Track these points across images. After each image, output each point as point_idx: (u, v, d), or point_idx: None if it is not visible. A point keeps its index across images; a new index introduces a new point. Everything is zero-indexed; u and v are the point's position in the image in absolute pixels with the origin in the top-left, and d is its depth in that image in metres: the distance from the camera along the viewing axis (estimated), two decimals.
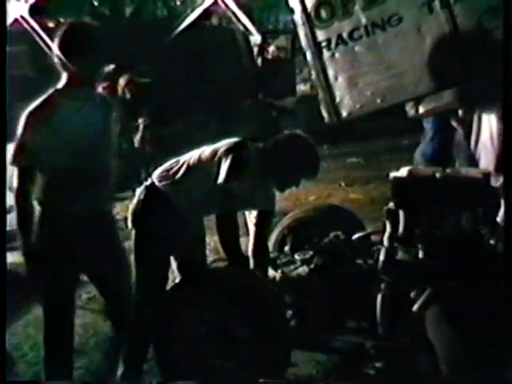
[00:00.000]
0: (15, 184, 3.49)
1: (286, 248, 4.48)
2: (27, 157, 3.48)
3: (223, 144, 4.04)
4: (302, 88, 14.27)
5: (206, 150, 4.05)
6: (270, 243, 4.57)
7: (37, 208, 3.59)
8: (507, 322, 3.41)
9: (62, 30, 3.59)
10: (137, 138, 9.67)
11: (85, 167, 3.58)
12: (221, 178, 3.87)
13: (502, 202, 3.65)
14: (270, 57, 14.71)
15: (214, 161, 3.96)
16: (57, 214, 3.61)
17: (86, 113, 3.62)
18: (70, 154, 3.52)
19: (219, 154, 3.97)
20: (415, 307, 3.59)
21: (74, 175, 3.56)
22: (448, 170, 3.99)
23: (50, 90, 3.57)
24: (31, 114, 3.47)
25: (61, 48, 3.56)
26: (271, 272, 4.15)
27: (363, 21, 3.57)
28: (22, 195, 3.50)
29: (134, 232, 4.07)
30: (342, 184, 9.43)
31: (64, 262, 3.61)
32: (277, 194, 4.33)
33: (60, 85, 3.59)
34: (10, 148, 3.49)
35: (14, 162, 3.50)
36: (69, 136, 3.51)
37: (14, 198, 3.49)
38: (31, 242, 3.53)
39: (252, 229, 4.22)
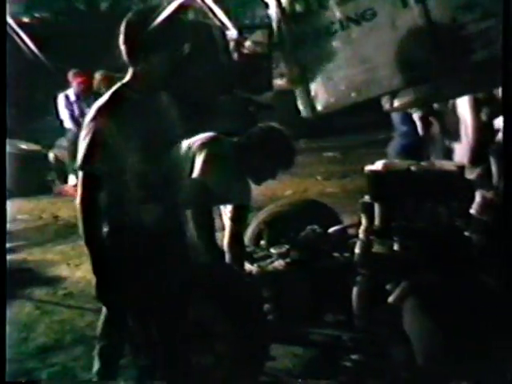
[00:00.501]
0: (81, 193, 3.05)
1: (263, 242, 4.49)
2: (100, 160, 3.04)
3: (197, 138, 4.04)
4: (278, 82, 14.27)
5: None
6: (247, 237, 4.58)
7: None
8: (485, 313, 3.45)
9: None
10: None
11: (158, 172, 3.20)
12: (195, 173, 3.86)
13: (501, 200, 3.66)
14: (246, 52, 14.68)
15: (188, 155, 3.96)
16: (129, 228, 3.18)
17: (154, 110, 3.27)
18: (143, 156, 3.12)
19: (194, 148, 3.96)
20: (391, 299, 3.62)
21: (148, 181, 3.17)
22: (423, 163, 4.02)
23: (117, 85, 3.24)
24: (100, 110, 3.11)
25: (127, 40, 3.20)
26: (247, 266, 4.16)
27: (338, 15, 3.57)
28: (92, 207, 3.07)
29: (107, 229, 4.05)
30: (319, 178, 9.45)
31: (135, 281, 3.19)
32: (253, 188, 4.33)
33: (126, 79, 3.26)
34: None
35: (85, 166, 3.07)
36: (140, 135, 3.12)
37: (81, 210, 3.05)
38: (102, 259, 3.13)
39: (228, 223, 4.22)
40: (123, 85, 3.24)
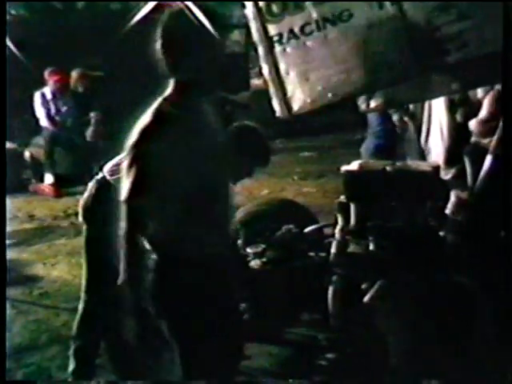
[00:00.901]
0: (127, 227, 2.81)
1: (239, 242, 4.49)
2: (148, 192, 2.79)
3: None
4: (255, 82, 14.28)
5: None
6: None
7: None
8: (459, 313, 3.49)
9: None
10: (89, 132, 9.61)
11: (207, 197, 2.90)
12: None
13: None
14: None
15: None
16: (179, 260, 2.90)
17: (200, 126, 2.95)
18: (191, 181, 2.82)
19: None
20: (366, 298, 3.64)
21: (197, 207, 2.87)
22: (398, 164, 4.05)
23: (158, 100, 2.92)
24: (144, 133, 2.79)
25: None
26: None
27: (314, 16, 3.59)
28: (135, 240, 2.85)
29: (85, 226, 4.05)
30: (295, 178, 9.47)
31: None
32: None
33: (167, 92, 2.96)
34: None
35: (131, 201, 2.80)
36: (190, 156, 2.80)
37: (126, 245, 2.83)
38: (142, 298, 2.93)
39: None
40: (164, 99, 2.93)
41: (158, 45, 2.93)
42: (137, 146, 2.78)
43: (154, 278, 2.92)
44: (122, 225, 2.82)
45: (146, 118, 2.84)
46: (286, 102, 3.65)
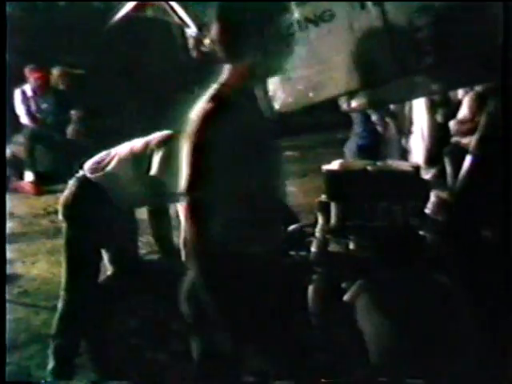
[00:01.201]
0: (192, 221, 2.71)
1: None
2: (208, 183, 2.67)
3: (155, 136, 4.05)
4: None
5: (137, 142, 4.05)
6: None
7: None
8: (438, 312, 3.51)
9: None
10: (69, 130, 9.57)
11: (265, 192, 2.83)
12: (153, 170, 3.87)
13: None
14: (205, 50, 14.65)
15: (145, 153, 3.96)
16: (241, 256, 2.79)
17: (257, 116, 2.92)
18: (251, 170, 2.74)
19: (151, 145, 3.97)
20: (346, 297, 3.66)
21: (256, 202, 2.78)
22: (379, 163, 4.06)
23: (214, 86, 2.82)
24: (204, 120, 2.66)
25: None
26: None
27: (296, 16, 3.60)
28: (205, 232, 2.71)
29: (65, 225, 4.03)
30: None
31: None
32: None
33: (224, 78, 2.87)
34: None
35: (192, 192, 2.70)
36: (248, 144, 2.71)
37: (194, 238, 2.72)
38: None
39: (184, 221, 4.21)
40: (222, 85, 2.82)
41: (215, 29, 2.84)
42: (199, 133, 2.65)
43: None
44: (188, 214, 2.72)
45: (205, 104, 2.71)
46: (267, 101, 3.66)
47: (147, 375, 3.88)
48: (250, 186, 2.72)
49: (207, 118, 2.66)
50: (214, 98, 2.72)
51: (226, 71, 2.85)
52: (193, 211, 2.69)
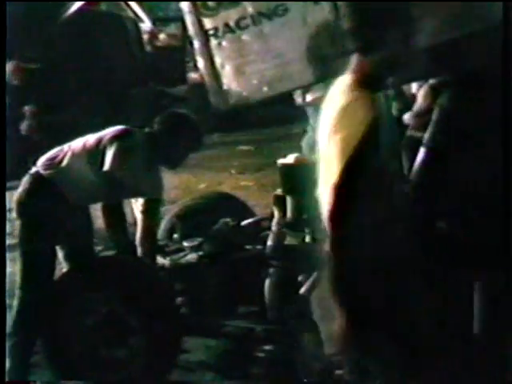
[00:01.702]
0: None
1: (176, 236, 4.48)
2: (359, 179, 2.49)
3: (108, 131, 4.03)
4: (193, 76, 14.23)
5: (90, 138, 4.03)
6: (160, 231, 4.57)
7: None
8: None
9: None
10: (23, 126, 9.46)
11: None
12: (106, 166, 3.85)
13: None
14: (160, 44, 14.57)
15: (98, 148, 3.94)
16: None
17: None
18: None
19: (104, 141, 3.95)
20: (302, 290, 3.67)
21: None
22: None
23: (346, 79, 2.59)
24: (357, 119, 2.46)
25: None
26: (160, 260, 4.15)
27: (250, 10, 3.60)
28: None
29: (19, 222, 3.99)
30: (233, 171, 9.47)
31: None
32: (167, 181, 4.33)
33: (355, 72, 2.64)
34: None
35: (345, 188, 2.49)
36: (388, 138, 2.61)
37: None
38: None
39: (139, 217, 4.20)
40: (357, 74, 2.61)
41: (350, 22, 2.66)
42: (345, 132, 2.44)
43: None
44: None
45: (353, 93, 2.51)
46: (221, 95, 3.66)
47: (105, 373, 3.86)
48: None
49: (358, 119, 2.46)
50: (361, 86, 2.51)
51: (354, 62, 2.66)
52: (341, 208, 2.52)
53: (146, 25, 13.86)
